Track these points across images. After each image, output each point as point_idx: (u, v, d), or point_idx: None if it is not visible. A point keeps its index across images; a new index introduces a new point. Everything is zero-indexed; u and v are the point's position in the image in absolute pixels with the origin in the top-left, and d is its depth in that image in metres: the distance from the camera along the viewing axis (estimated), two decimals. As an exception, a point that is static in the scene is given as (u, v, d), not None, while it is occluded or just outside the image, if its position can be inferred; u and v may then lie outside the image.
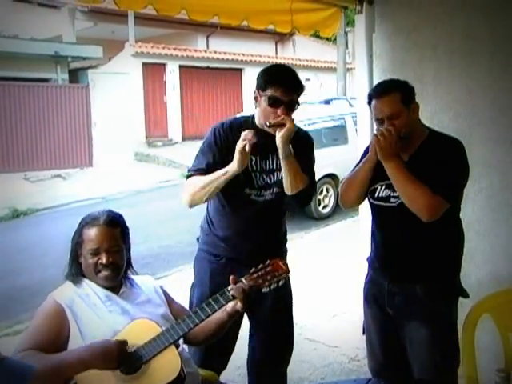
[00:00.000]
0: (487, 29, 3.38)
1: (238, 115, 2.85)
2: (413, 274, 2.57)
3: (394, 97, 2.47)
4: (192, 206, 2.74)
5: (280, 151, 2.58)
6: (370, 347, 2.83)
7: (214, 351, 2.79)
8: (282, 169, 2.63)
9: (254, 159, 2.69)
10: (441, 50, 3.55)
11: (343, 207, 2.85)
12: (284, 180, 2.65)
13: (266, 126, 2.58)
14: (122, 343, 2.08)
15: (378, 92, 2.54)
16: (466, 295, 2.63)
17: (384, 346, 2.73)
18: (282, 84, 2.58)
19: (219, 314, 2.29)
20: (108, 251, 2.29)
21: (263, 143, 2.61)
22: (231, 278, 2.27)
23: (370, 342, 2.81)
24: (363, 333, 2.86)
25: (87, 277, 2.34)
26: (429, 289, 2.55)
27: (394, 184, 2.48)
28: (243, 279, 2.27)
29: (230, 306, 2.26)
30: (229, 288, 2.25)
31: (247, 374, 3.04)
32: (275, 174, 2.72)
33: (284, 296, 2.90)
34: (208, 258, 2.87)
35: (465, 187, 2.53)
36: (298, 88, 2.65)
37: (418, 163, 2.49)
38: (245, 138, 2.50)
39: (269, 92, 2.59)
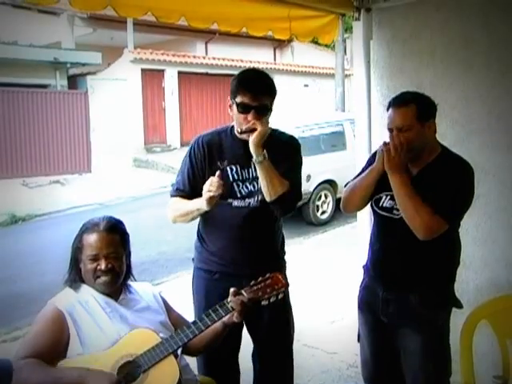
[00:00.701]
0: (484, 36, 3.39)
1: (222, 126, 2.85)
2: (408, 283, 2.57)
3: (409, 110, 2.46)
4: (175, 223, 2.82)
5: (254, 156, 2.55)
6: (363, 355, 2.83)
7: (217, 361, 2.80)
8: (258, 174, 2.60)
9: (234, 169, 2.68)
10: (438, 56, 3.56)
11: (344, 211, 2.83)
12: (262, 186, 2.61)
13: (238, 133, 2.59)
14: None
15: (397, 102, 2.54)
16: (459, 306, 2.62)
17: (376, 354, 2.73)
18: (250, 89, 2.56)
19: (216, 324, 2.30)
20: (107, 257, 2.30)
21: (243, 152, 2.63)
22: (231, 290, 2.29)
23: (363, 351, 2.81)
24: (358, 340, 2.86)
25: (86, 283, 2.34)
26: (423, 298, 2.55)
27: (396, 198, 2.49)
28: (243, 291, 2.28)
29: (227, 316, 2.27)
30: (228, 300, 2.26)
31: None
32: (258, 181, 2.64)
33: (282, 310, 2.84)
34: (203, 276, 2.84)
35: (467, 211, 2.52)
36: (267, 92, 2.61)
37: (426, 179, 2.49)
38: (210, 190, 2.48)
39: (238, 98, 2.58)
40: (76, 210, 11.48)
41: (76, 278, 2.35)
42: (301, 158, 2.82)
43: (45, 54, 15.75)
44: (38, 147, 15.29)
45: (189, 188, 2.73)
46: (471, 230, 3.42)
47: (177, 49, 19.68)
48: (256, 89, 2.57)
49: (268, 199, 2.59)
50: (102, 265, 2.29)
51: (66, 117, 15.77)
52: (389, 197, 2.59)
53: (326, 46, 21.41)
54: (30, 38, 16.77)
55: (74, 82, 17.14)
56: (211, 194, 2.47)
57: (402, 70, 3.72)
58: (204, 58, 20.09)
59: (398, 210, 2.53)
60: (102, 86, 16.67)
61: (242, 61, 19.78)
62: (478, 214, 3.39)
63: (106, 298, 2.32)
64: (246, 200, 2.68)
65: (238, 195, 2.68)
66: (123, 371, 2.10)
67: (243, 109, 2.57)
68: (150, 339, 2.18)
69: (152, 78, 18.18)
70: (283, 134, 2.85)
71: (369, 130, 3.84)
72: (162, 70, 18.44)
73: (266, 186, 2.57)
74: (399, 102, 2.51)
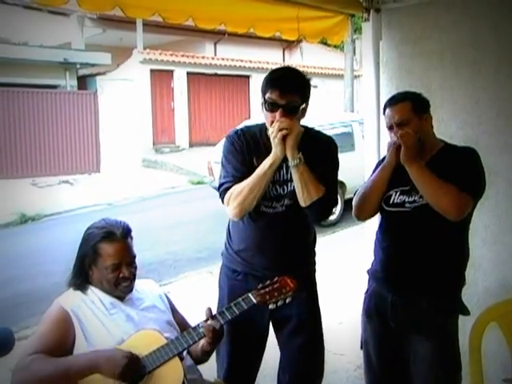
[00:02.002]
0: (493, 38, 3.38)
1: (248, 123, 2.71)
2: (418, 286, 2.55)
3: (405, 105, 2.54)
4: (241, 216, 2.57)
5: (289, 159, 2.45)
6: (368, 362, 2.80)
7: (240, 367, 2.77)
8: (293, 178, 2.49)
9: None
10: (447, 58, 3.55)
11: (359, 219, 2.81)
12: (296, 191, 2.50)
13: (270, 133, 2.46)
14: (131, 356, 2.08)
15: (392, 100, 2.62)
16: (466, 313, 2.60)
17: (383, 360, 2.71)
18: (277, 86, 2.45)
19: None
20: (128, 264, 2.32)
21: None
22: (206, 309, 2.27)
23: (368, 358, 2.79)
24: (361, 347, 2.84)
25: (95, 286, 2.34)
26: (433, 302, 2.54)
27: (420, 185, 2.47)
28: (250, 294, 2.28)
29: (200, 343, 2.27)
30: (238, 301, 2.26)
31: None
32: (288, 184, 2.55)
33: (309, 315, 2.81)
34: (227, 274, 2.78)
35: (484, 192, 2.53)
36: (296, 90, 2.48)
37: (435, 169, 2.49)
38: (281, 128, 2.40)
39: (267, 95, 2.48)
40: (85, 210, 11.52)
41: (82, 281, 2.35)
42: (338, 161, 2.67)
43: (55, 54, 15.84)
44: (48, 147, 15.38)
45: (245, 170, 2.53)
46: (480, 231, 3.41)
47: (186, 49, 19.71)
48: (284, 85, 2.45)
49: (302, 204, 2.49)
50: (126, 272, 2.30)
51: (75, 117, 15.86)
52: (399, 192, 2.59)
53: (335, 46, 21.40)
54: (41, 39, 16.87)
55: (83, 82, 17.21)
56: (285, 130, 2.38)
57: (411, 71, 3.71)
58: (213, 58, 20.10)
59: (409, 203, 2.54)
60: (112, 87, 16.73)
61: (250, 61, 19.80)
62: (487, 216, 3.38)
63: (111, 299, 2.33)
64: (274, 203, 2.59)
65: (268, 196, 2.57)
66: (133, 364, 2.10)
67: (271, 107, 2.47)
68: (155, 340, 2.18)
69: (161, 78, 18.22)
70: (320, 133, 2.75)
71: (377, 131, 3.82)
72: (171, 71, 18.48)
73: (301, 191, 2.47)
74: (394, 100, 2.60)
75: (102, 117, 16.27)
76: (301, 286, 2.51)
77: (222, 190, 2.59)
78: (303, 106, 2.53)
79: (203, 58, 19.63)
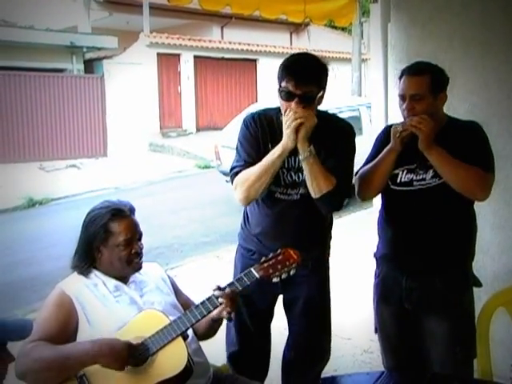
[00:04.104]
0: (503, 20, 3.32)
1: (257, 106, 2.68)
2: (431, 265, 2.55)
3: (424, 79, 2.46)
4: (248, 202, 2.60)
5: (300, 152, 2.42)
6: (388, 346, 2.79)
7: (251, 356, 2.82)
8: (304, 170, 2.47)
9: None
10: (456, 41, 3.50)
11: (361, 199, 2.76)
12: (306, 182, 2.48)
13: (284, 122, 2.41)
14: (132, 347, 2.07)
15: (411, 70, 2.53)
16: (479, 284, 2.62)
17: (404, 342, 2.70)
18: (293, 75, 2.38)
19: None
20: (138, 240, 2.36)
21: None
22: (214, 286, 2.23)
23: (388, 341, 2.77)
24: (375, 332, 2.83)
25: (101, 269, 2.34)
26: (446, 280, 2.54)
27: (443, 171, 2.43)
28: (252, 269, 2.26)
29: (215, 312, 2.24)
30: (225, 287, 2.23)
31: (281, 373, 2.95)
32: (303, 171, 2.51)
33: (319, 291, 2.81)
34: (242, 253, 2.81)
35: None
36: (313, 80, 2.41)
37: (444, 144, 2.45)
38: (296, 117, 2.36)
39: (283, 84, 2.42)
40: (92, 194, 11.53)
41: (88, 264, 2.34)
42: (354, 149, 2.62)
43: (61, 38, 15.79)
44: (55, 131, 15.40)
45: (257, 156, 2.51)
46: (489, 216, 3.38)
47: (193, 33, 19.60)
48: (300, 75, 2.38)
49: (313, 195, 2.48)
50: (137, 247, 2.33)
51: (82, 101, 15.86)
52: (405, 171, 2.56)
53: (343, 29, 21.24)
54: (47, 23, 16.81)
55: (90, 66, 17.16)
56: (300, 120, 2.35)
57: (420, 53, 3.64)
58: (220, 42, 19.99)
59: (417, 181, 2.52)
60: (118, 71, 16.68)
61: (258, 45, 19.68)
62: (495, 200, 3.33)
63: (115, 282, 2.32)
64: (288, 190, 2.58)
65: (282, 183, 2.57)
66: (132, 354, 2.09)
67: (286, 96, 2.41)
68: (158, 321, 2.17)
69: (168, 62, 18.15)
70: (337, 119, 2.71)
71: (385, 114, 3.79)
72: (178, 55, 18.40)
73: (311, 183, 2.46)
74: (414, 71, 2.51)
75: (108, 101, 16.26)
76: (313, 268, 2.58)
77: (232, 173, 2.59)
78: (320, 94, 2.48)
79: (210, 41, 19.52)
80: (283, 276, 2.27)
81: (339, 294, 5.25)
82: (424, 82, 2.45)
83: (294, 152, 2.48)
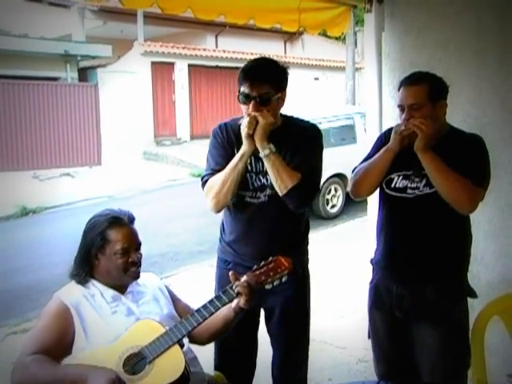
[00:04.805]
0: (497, 29, 3.34)
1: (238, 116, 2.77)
2: (423, 274, 2.54)
3: (422, 88, 2.46)
4: (219, 209, 2.64)
5: (259, 150, 2.49)
6: (379, 352, 2.78)
7: (233, 355, 2.79)
8: (267, 170, 2.53)
9: (248, 160, 2.59)
10: (451, 49, 3.51)
11: (354, 197, 2.75)
12: (272, 182, 2.54)
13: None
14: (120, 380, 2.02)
15: (409, 79, 2.54)
16: (474, 295, 2.61)
17: (394, 350, 2.69)
18: (248, 78, 2.49)
19: (224, 312, 2.29)
20: (136, 249, 2.35)
21: None
22: (231, 273, 2.26)
23: (379, 348, 2.77)
24: (369, 337, 2.83)
25: (98, 278, 2.34)
26: (439, 290, 2.53)
27: (433, 176, 2.43)
28: (245, 276, 2.26)
29: (234, 303, 2.26)
30: (232, 285, 2.24)
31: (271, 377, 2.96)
32: None
33: (298, 295, 2.79)
34: (219, 265, 2.84)
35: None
36: (268, 80, 2.49)
37: (441, 154, 2.45)
38: (247, 126, 2.45)
39: (241, 88, 2.51)
40: (86, 202, 11.51)
41: (85, 274, 2.33)
42: (320, 147, 2.70)
43: (55, 46, 15.79)
44: (49, 140, 15.36)
45: (225, 165, 2.57)
46: (483, 224, 3.38)
47: (187, 41, 19.66)
48: (254, 77, 2.49)
49: (279, 193, 2.52)
50: (134, 257, 2.32)
51: (76, 109, 15.83)
52: (401, 177, 2.56)
53: (337, 38, 21.31)
54: (41, 31, 16.83)
55: (84, 74, 17.17)
56: (247, 128, 2.44)
57: (414, 62, 3.66)
58: (214, 50, 20.06)
59: (412, 189, 2.51)
60: (112, 79, 16.69)
61: (252, 54, 19.70)
62: (490, 209, 3.35)
63: (112, 292, 2.32)
64: (258, 194, 2.62)
65: (251, 187, 2.62)
66: (129, 363, 2.09)
67: (244, 99, 2.51)
68: (155, 330, 2.18)
69: (162, 70, 18.17)
70: (302, 121, 2.76)
71: (380, 123, 3.80)
72: (172, 63, 18.42)
73: (275, 181, 2.51)
74: (412, 81, 2.52)
75: (102, 109, 16.23)
76: (290, 276, 2.51)
77: (202, 182, 2.67)
78: (278, 95, 2.55)
79: (204, 50, 19.58)
80: (275, 283, 2.30)
81: (333, 303, 5.26)
82: (422, 91, 2.46)
83: (259, 156, 2.55)
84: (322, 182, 9.64)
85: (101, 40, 17.10)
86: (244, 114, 2.56)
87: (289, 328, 2.78)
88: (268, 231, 2.65)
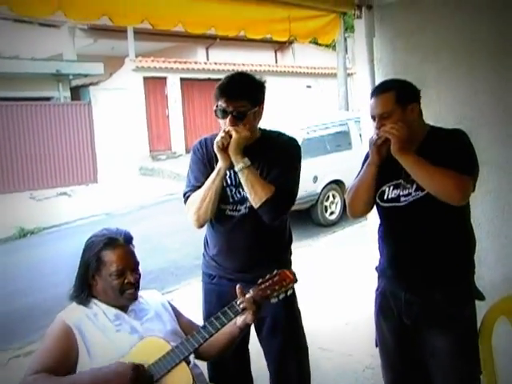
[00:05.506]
0: (491, 29, 3.33)
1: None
2: (430, 279, 2.52)
3: (388, 96, 2.48)
4: (200, 225, 2.69)
5: (235, 165, 2.53)
6: (387, 361, 2.76)
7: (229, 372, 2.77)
8: (242, 183, 2.56)
9: (228, 173, 2.63)
10: (444, 51, 3.50)
11: (352, 217, 2.77)
12: (247, 195, 2.56)
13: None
14: (138, 367, 2.05)
15: (376, 90, 2.59)
16: (481, 297, 2.59)
17: (403, 357, 2.67)
18: (224, 93, 2.53)
19: (229, 328, 2.27)
20: (133, 270, 2.32)
21: None
22: (238, 288, 2.25)
23: (387, 356, 2.74)
24: (376, 346, 2.81)
25: (99, 297, 2.33)
26: (448, 293, 2.51)
27: (416, 175, 2.43)
28: (251, 290, 2.25)
29: (239, 319, 2.24)
30: (237, 301, 2.23)
31: None
32: None
33: (289, 315, 2.78)
34: (205, 280, 2.85)
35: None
36: (243, 96, 2.53)
37: (425, 155, 2.44)
38: (219, 140, 2.50)
39: (218, 103, 2.54)
40: (84, 221, 11.48)
41: (85, 294, 2.32)
42: (296, 161, 2.73)
43: (47, 66, 15.80)
44: (44, 160, 15.35)
45: (205, 181, 2.63)
46: (483, 224, 3.37)
47: (178, 55, 19.70)
48: (230, 92, 2.52)
49: (254, 206, 2.55)
50: (131, 278, 2.30)
51: (70, 128, 15.83)
52: (392, 187, 2.56)
53: (328, 46, 21.40)
54: (32, 51, 16.84)
55: (76, 93, 17.18)
56: (220, 143, 2.48)
57: (407, 65, 3.67)
58: (206, 63, 20.08)
59: (404, 196, 2.50)
60: (105, 96, 16.70)
61: (243, 64, 19.78)
62: (490, 209, 3.35)
63: (115, 311, 2.30)
64: (238, 206, 2.64)
65: (231, 200, 2.65)
66: (140, 373, 2.07)
67: (221, 114, 2.55)
68: (160, 347, 2.16)
69: (154, 85, 18.20)
70: (281, 135, 2.79)
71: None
72: (164, 78, 18.46)
73: (250, 194, 2.54)
74: (379, 90, 2.56)
75: (96, 127, 16.23)
76: None
77: (184, 199, 2.73)
78: (255, 109, 2.58)
79: (196, 63, 19.61)
80: (281, 296, 2.29)
81: (338, 310, 5.25)
82: (389, 99, 2.47)
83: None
84: (319, 190, 9.63)
85: (92, 58, 17.12)
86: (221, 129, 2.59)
87: (280, 336, 2.77)
88: (250, 243, 2.67)
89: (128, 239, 2.35)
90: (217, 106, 2.55)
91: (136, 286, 2.33)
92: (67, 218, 11.79)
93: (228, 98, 2.50)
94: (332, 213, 9.96)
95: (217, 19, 3.56)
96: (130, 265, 2.31)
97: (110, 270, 2.27)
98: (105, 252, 2.28)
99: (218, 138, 2.51)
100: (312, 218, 9.66)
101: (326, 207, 9.80)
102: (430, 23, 3.56)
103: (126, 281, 2.29)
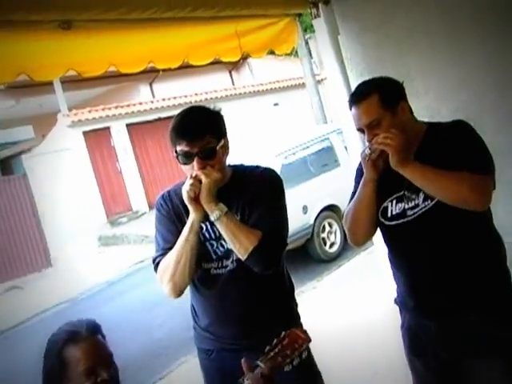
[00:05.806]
0: (469, 8, 3.40)
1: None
2: (460, 301, 2.49)
3: (371, 101, 2.48)
4: (178, 293, 2.64)
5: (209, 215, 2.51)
6: None
7: None
8: (222, 234, 2.53)
9: (204, 227, 2.61)
10: (419, 37, 3.57)
11: (355, 245, 2.79)
12: (230, 246, 2.54)
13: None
14: None
15: (355, 96, 2.56)
16: None
17: None
18: (184, 135, 2.49)
19: None
20: (105, 365, 2.23)
21: None
22: (243, 363, 2.19)
23: None
24: None
25: None
26: (486, 313, 2.48)
27: (425, 186, 2.42)
28: (259, 362, 2.21)
29: None
30: (244, 379, 2.20)
31: None
32: None
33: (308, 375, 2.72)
34: (201, 356, 2.81)
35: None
36: (206, 131, 2.51)
37: (428, 156, 2.46)
38: (187, 189, 2.48)
39: (178, 148, 2.51)
40: (44, 314, 11.32)
41: None
42: (279, 194, 2.71)
43: (-34, 142, 15.77)
44: (-17, 253, 15.16)
45: (176, 240, 2.59)
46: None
47: (119, 99, 19.74)
48: (189, 132, 2.50)
49: (241, 258, 2.52)
50: (104, 374, 2.19)
51: (6, 209, 15.69)
52: (395, 201, 2.56)
53: (288, 54, 21.65)
54: None
55: (8, 165, 17.13)
56: (191, 193, 2.46)
57: (379, 61, 3.73)
58: (152, 101, 20.17)
59: (411, 209, 2.49)
60: (41, 163, 16.57)
61: (196, 94, 19.92)
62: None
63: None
64: (224, 262, 2.61)
65: (214, 256, 2.62)
66: None
67: (185, 159, 2.51)
68: None
69: (97, 139, 18.15)
70: (256, 168, 2.79)
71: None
72: (107, 128, 18.47)
73: (234, 245, 2.51)
74: (358, 96, 2.54)
75: (38, 201, 16.12)
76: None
77: (154, 266, 2.69)
78: (221, 143, 2.57)
79: (140, 104, 19.66)
80: (295, 362, 2.22)
81: (362, 358, 5.21)
82: (373, 104, 2.47)
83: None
84: (312, 221, 9.60)
85: (18, 121, 17.10)
86: (188, 176, 2.56)
87: None
88: (247, 302, 2.63)
89: (93, 329, 2.27)
90: (176, 152, 2.53)
91: (113, 382, 2.26)
92: (26, 315, 11.61)
93: (190, 140, 2.47)
94: (332, 244, 9.92)
95: (154, 52, 3.57)
96: (99, 359, 2.22)
97: (77, 370, 2.18)
98: (67, 350, 2.20)
99: (187, 187, 2.48)
100: (311, 255, 9.63)
101: (323, 239, 9.77)
102: (398, 11, 3.62)
103: (99, 379, 2.19)
